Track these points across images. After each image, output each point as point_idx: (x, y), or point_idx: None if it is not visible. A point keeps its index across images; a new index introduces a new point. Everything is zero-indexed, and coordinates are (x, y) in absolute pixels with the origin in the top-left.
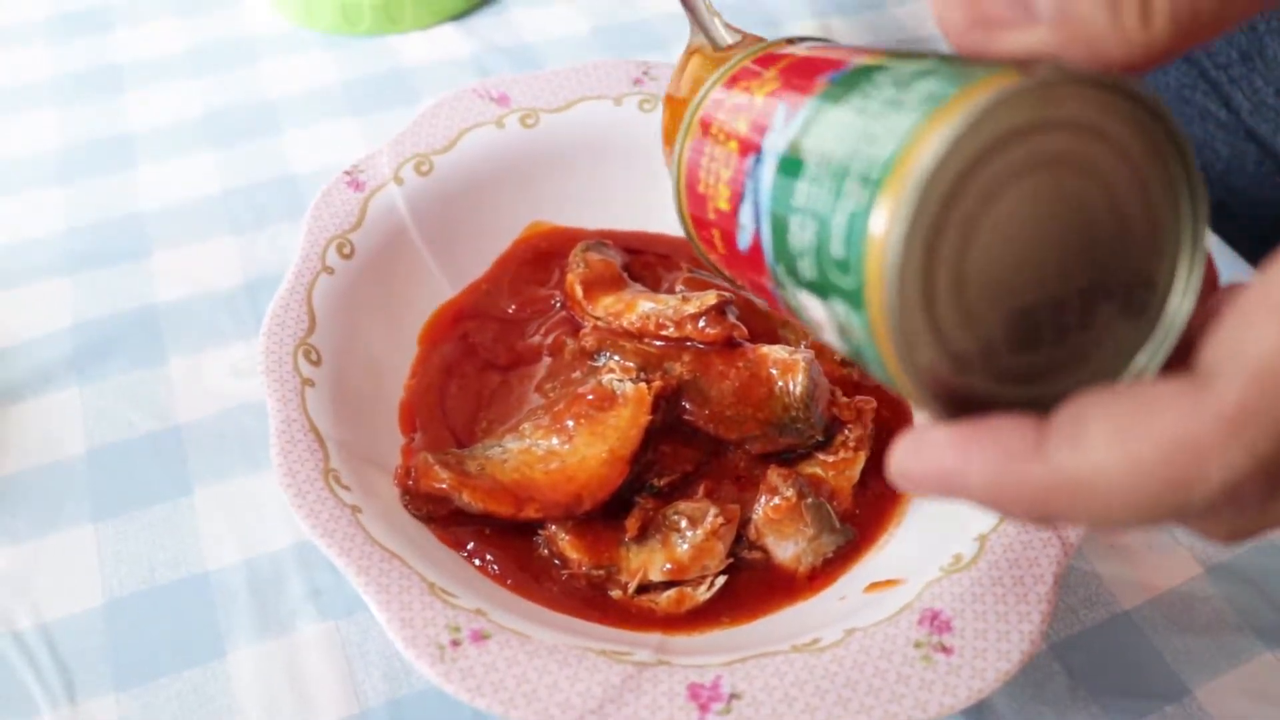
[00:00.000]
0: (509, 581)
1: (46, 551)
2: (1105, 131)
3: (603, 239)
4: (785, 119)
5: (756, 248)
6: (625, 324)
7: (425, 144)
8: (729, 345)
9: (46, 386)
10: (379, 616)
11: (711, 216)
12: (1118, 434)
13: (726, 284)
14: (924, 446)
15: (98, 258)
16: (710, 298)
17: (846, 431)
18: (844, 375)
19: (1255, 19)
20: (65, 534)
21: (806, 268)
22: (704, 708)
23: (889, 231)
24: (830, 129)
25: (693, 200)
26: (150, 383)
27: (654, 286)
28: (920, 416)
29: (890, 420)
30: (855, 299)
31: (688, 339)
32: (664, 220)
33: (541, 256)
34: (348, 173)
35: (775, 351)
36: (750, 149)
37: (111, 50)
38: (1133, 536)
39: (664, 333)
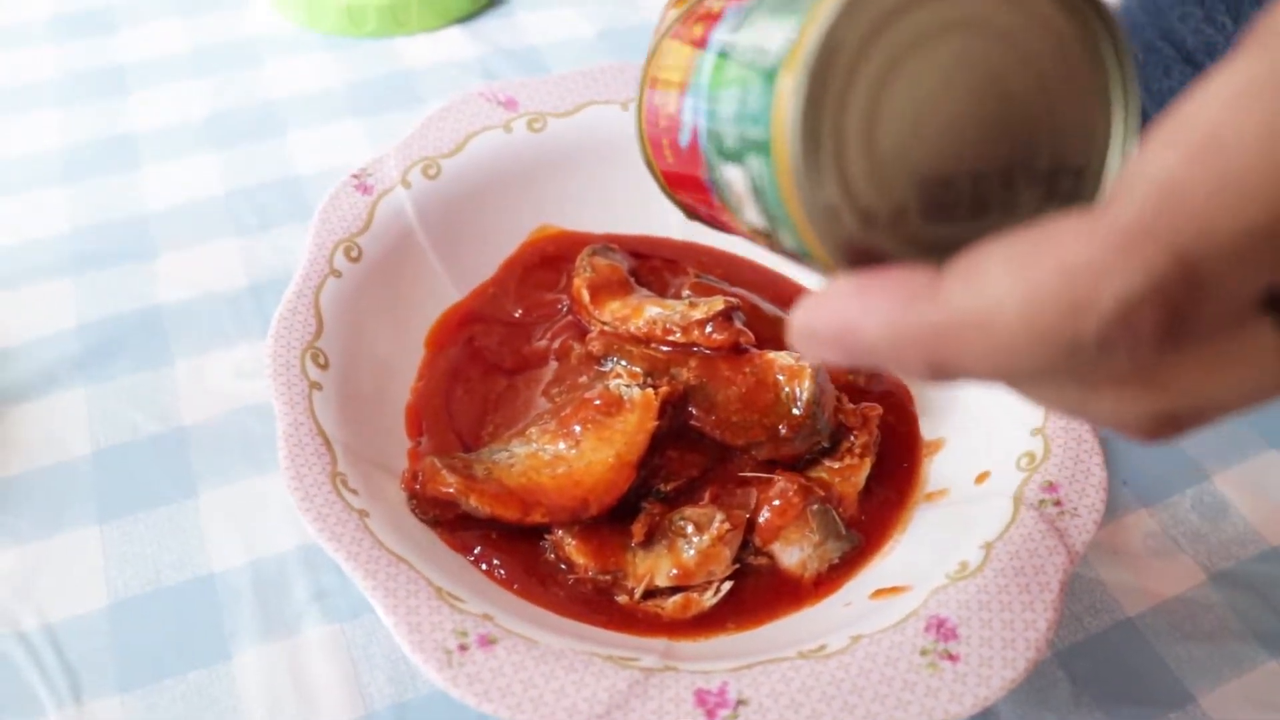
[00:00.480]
0: (515, 586)
1: (52, 552)
2: (1024, 3)
3: (609, 243)
4: (733, 16)
5: (694, 141)
6: (632, 329)
7: (433, 148)
8: (736, 351)
9: (51, 388)
10: (386, 620)
11: (662, 124)
12: (1015, 266)
13: (675, 204)
14: (824, 299)
15: (102, 259)
16: (717, 303)
17: (852, 438)
18: (850, 382)
19: (1197, 15)
20: (70, 535)
21: (730, 136)
22: (711, 714)
23: (795, 71)
24: (764, 11)
25: (650, 116)
26: (155, 384)
27: (661, 291)
28: (825, 287)
29: (896, 426)
30: (765, 148)
31: (694, 344)
32: (671, 225)
33: (548, 261)
34: (355, 176)
35: (782, 357)
36: (698, 45)
37: (115, 51)
38: (1136, 543)
39: (671, 338)
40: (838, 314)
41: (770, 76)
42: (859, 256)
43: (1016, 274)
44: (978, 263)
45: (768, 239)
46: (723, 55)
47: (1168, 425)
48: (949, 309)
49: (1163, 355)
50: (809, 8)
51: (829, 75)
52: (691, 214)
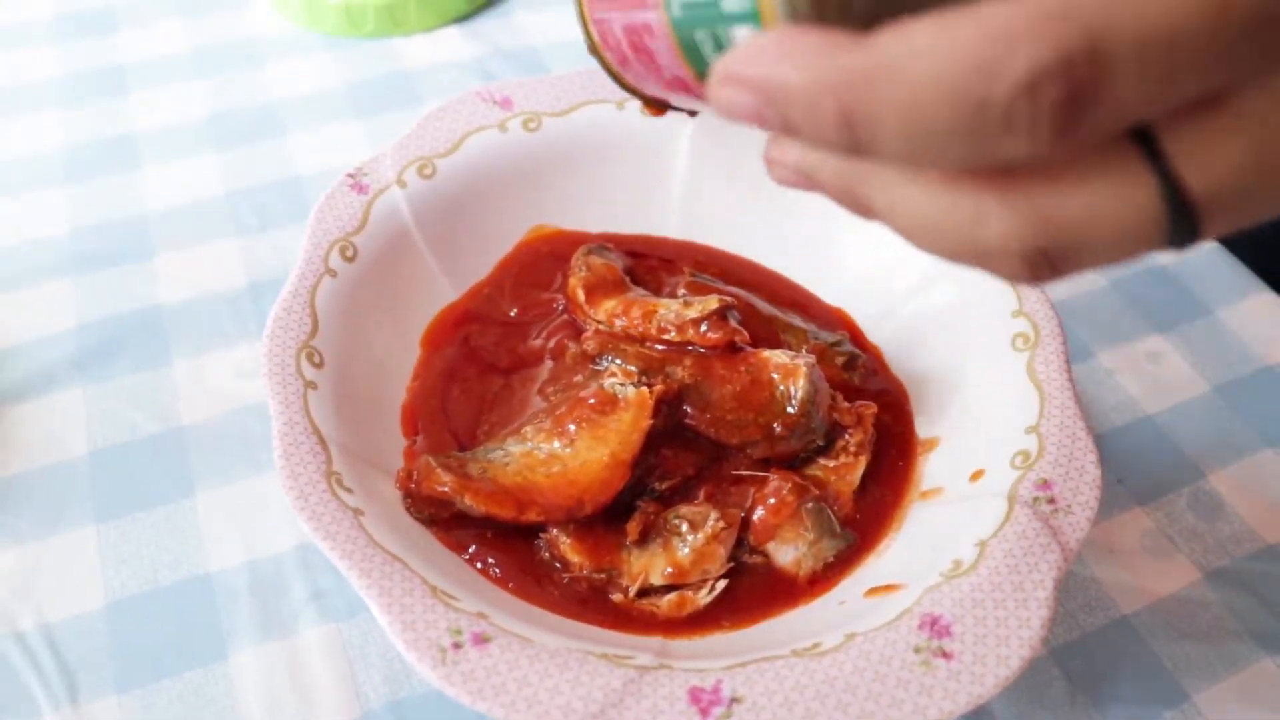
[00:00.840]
0: (510, 585)
1: (49, 552)
2: None
3: (605, 243)
4: None
5: None
6: (627, 328)
7: (428, 147)
8: (730, 350)
9: (50, 387)
10: (381, 619)
11: None
12: (940, 24)
13: (592, 50)
14: (752, 46)
15: (101, 259)
16: (712, 302)
17: (847, 436)
18: (845, 380)
19: None
20: (68, 535)
21: None
22: (705, 712)
23: None
24: None
25: None
26: (153, 384)
27: (656, 291)
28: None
29: (891, 425)
30: None
31: (689, 343)
32: (667, 224)
33: (544, 260)
34: (351, 175)
35: (777, 356)
36: None
37: (115, 52)
38: (1131, 541)
39: (666, 337)
40: (763, 59)
41: None
42: (801, 19)
43: (940, 31)
44: (905, 24)
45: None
46: None
47: (1044, 262)
48: (868, 55)
49: (1056, 143)
50: None
51: None
52: (595, 51)
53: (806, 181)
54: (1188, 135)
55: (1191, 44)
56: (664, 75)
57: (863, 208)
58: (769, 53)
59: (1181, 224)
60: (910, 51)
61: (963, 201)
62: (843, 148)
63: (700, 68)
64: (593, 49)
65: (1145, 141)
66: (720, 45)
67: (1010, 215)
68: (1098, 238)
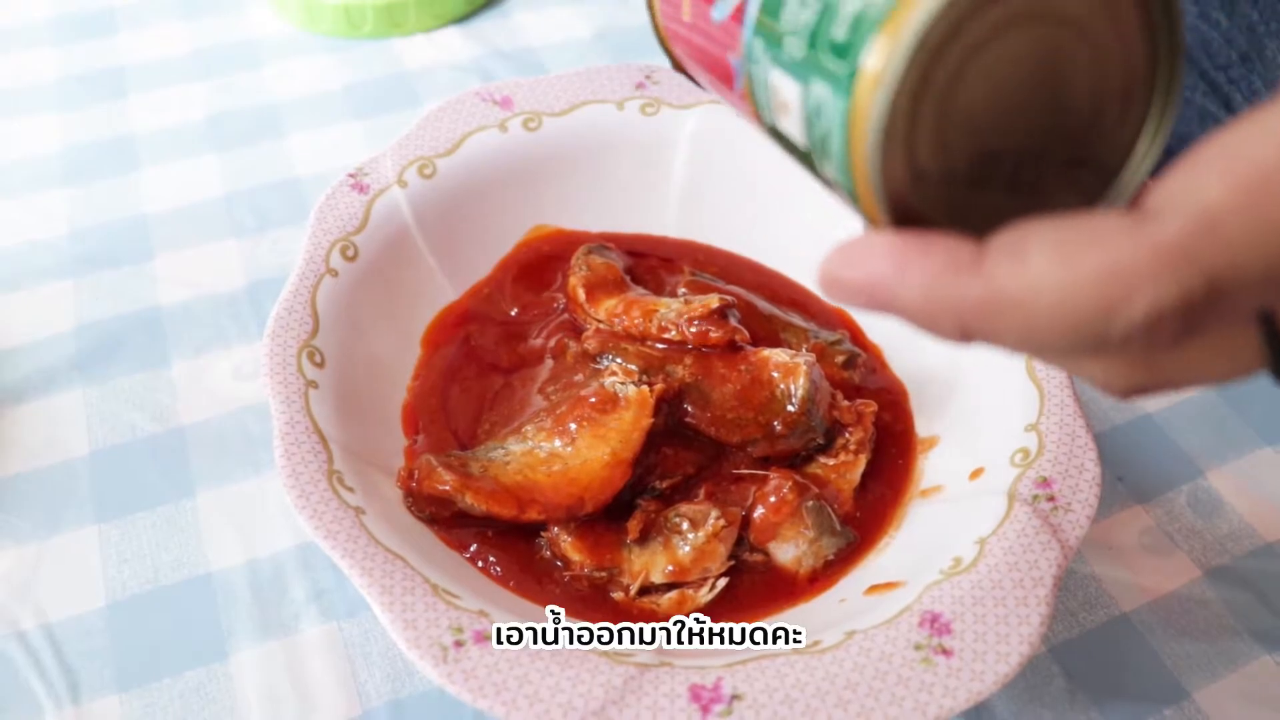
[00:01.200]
0: (511, 583)
1: (50, 553)
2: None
3: (605, 242)
4: None
5: (737, 19)
6: (627, 327)
7: (429, 147)
8: (730, 348)
9: (50, 388)
10: (382, 618)
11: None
12: (1058, 255)
13: (665, 52)
14: (860, 252)
15: (101, 260)
16: (712, 301)
17: (847, 434)
18: (845, 379)
19: (1254, 20)
20: (69, 535)
21: (794, 46)
22: (706, 709)
23: (900, 35)
24: None
25: None
26: (153, 385)
27: (656, 290)
28: (862, 239)
29: (891, 423)
30: (843, 86)
31: (689, 342)
32: (666, 223)
33: (544, 259)
34: (351, 175)
35: (776, 355)
36: None
37: (115, 53)
38: (1130, 539)
39: (666, 336)
40: (871, 271)
41: (872, 9)
42: (899, 209)
43: (1060, 263)
44: (1022, 244)
45: (798, 155)
46: None
47: (1143, 392)
48: (992, 286)
49: (1168, 352)
50: None
51: (928, 44)
52: (680, 69)
53: (880, 304)
54: None
55: None
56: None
57: (972, 335)
58: (883, 264)
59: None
60: (1031, 284)
61: (1071, 360)
62: (954, 341)
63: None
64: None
65: (1263, 318)
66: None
67: (1117, 371)
68: (1199, 382)
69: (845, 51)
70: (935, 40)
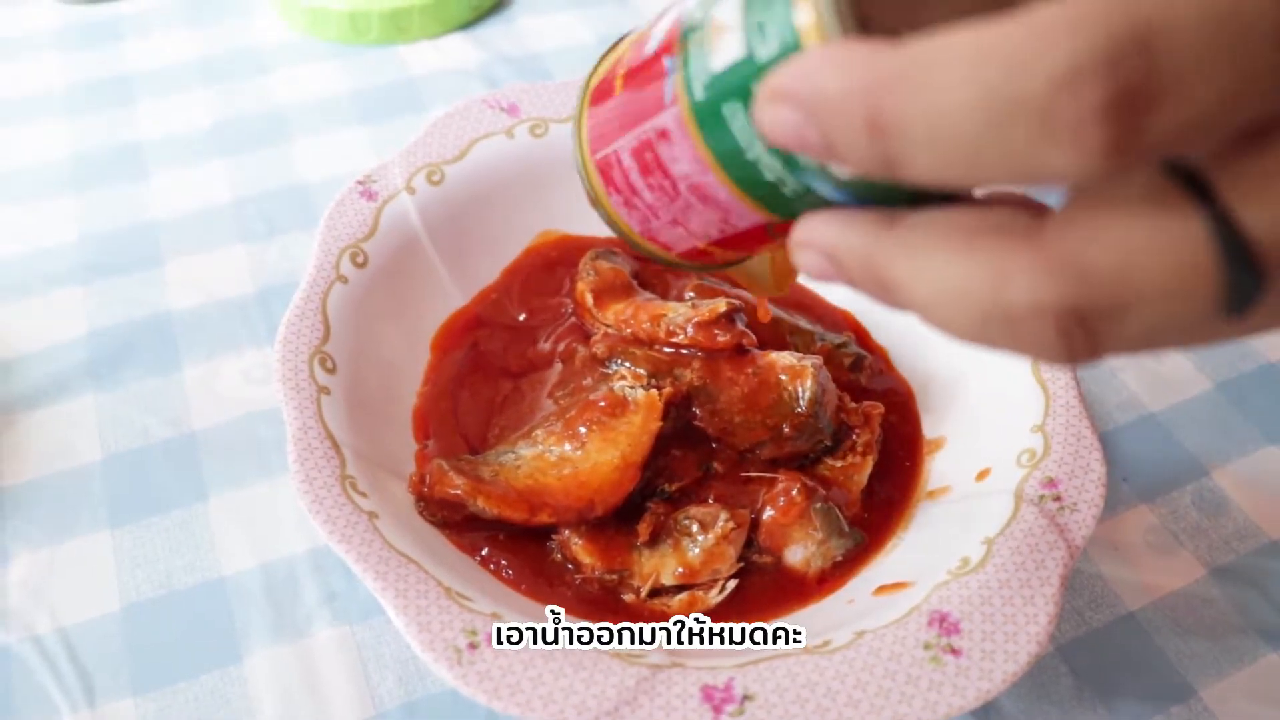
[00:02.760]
0: (523, 586)
1: (64, 557)
2: None
3: (612, 247)
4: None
5: (673, 27)
6: (635, 331)
7: (436, 154)
8: (738, 352)
9: (62, 394)
10: (396, 620)
11: (623, 60)
12: (982, 23)
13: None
14: (796, 66)
15: (111, 267)
16: (719, 305)
17: (854, 436)
18: (852, 381)
19: None
20: (82, 540)
21: None
22: (717, 709)
23: None
24: None
25: (597, 94)
26: (164, 390)
27: (664, 294)
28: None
29: (898, 425)
30: None
31: (697, 346)
32: None
33: (552, 265)
34: (360, 182)
35: (784, 358)
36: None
37: (122, 61)
38: (1136, 538)
39: (674, 339)
40: (806, 69)
41: None
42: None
43: (976, 31)
44: (945, 27)
45: (730, 87)
46: None
47: (1080, 329)
48: (899, 54)
49: (1103, 161)
50: None
51: None
52: (597, 202)
53: (832, 266)
54: (1244, 172)
55: (1261, 42)
56: (680, 191)
57: (886, 285)
58: (812, 63)
59: (1241, 275)
60: (943, 48)
61: (985, 259)
62: (875, 164)
63: (725, 148)
64: (594, 199)
65: (1191, 180)
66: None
67: (1037, 267)
68: (1139, 292)
69: None
70: None
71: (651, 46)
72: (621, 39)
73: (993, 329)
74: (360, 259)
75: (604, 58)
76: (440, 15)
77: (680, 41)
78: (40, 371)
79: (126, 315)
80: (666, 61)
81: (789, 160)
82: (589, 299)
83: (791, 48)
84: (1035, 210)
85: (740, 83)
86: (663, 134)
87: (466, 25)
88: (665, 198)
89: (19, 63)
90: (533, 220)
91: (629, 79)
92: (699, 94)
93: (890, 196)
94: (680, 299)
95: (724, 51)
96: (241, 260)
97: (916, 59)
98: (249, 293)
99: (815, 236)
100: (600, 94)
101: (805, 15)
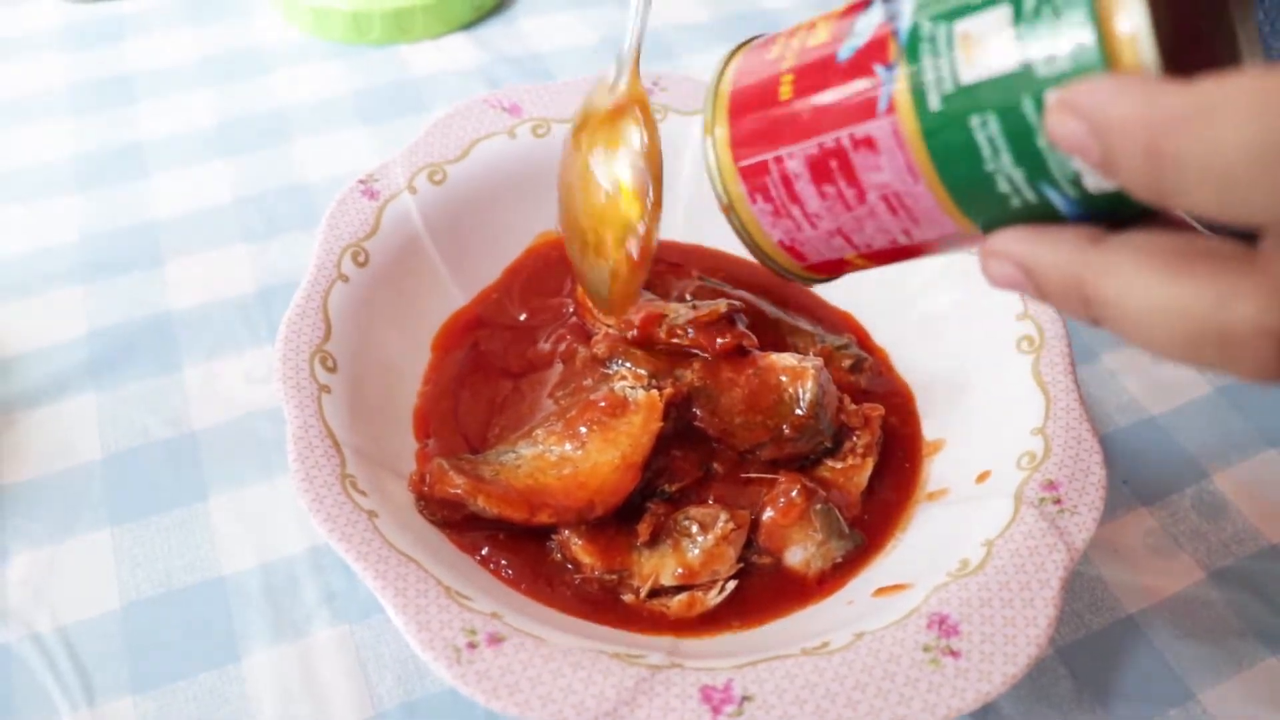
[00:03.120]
0: (523, 586)
1: (64, 556)
2: None
3: None
4: None
5: (887, 26)
6: (636, 332)
7: (438, 153)
8: (739, 353)
9: (63, 393)
10: (396, 620)
11: (785, 66)
12: (1265, 70)
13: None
14: (1090, 86)
15: (112, 266)
16: (720, 306)
17: (855, 438)
18: (852, 382)
19: (1259, 16)
20: (83, 539)
21: None
22: (716, 710)
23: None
24: None
25: (739, 100)
26: (165, 389)
27: (665, 295)
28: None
29: (898, 427)
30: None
31: (698, 347)
32: (674, 229)
33: (552, 265)
34: (362, 181)
35: (784, 359)
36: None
37: (124, 60)
38: (1136, 541)
39: (674, 340)
40: (1099, 92)
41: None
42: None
43: (1258, 78)
44: (1227, 72)
45: (996, 89)
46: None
47: None
48: (1185, 96)
49: None
50: None
51: None
52: (730, 209)
53: (1026, 278)
54: None
55: None
56: (866, 200)
57: (1087, 302)
58: (1105, 88)
59: None
60: (1226, 97)
61: (1206, 282)
62: (1144, 185)
63: (956, 158)
64: (727, 206)
65: None
66: (1022, 131)
67: (1262, 291)
68: None
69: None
70: None
71: (845, 52)
72: (752, 39)
73: (1206, 348)
74: (361, 258)
75: (732, 57)
76: (442, 16)
77: (903, 50)
78: (40, 371)
79: (127, 315)
80: (880, 70)
81: (1036, 169)
82: (590, 300)
83: (1086, 68)
84: (1236, 238)
85: (1004, 96)
86: (864, 142)
87: (468, 25)
88: (840, 206)
89: (20, 62)
90: (534, 220)
91: (808, 84)
92: (935, 104)
93: (1119, 212)
94: (681, 300)
95: (981, 65)
96: (242, 260)
97: (1201, 100)
98: (250, 292)
99: (1012, 249)
100: (750, 98)
101: (1108, 39)
